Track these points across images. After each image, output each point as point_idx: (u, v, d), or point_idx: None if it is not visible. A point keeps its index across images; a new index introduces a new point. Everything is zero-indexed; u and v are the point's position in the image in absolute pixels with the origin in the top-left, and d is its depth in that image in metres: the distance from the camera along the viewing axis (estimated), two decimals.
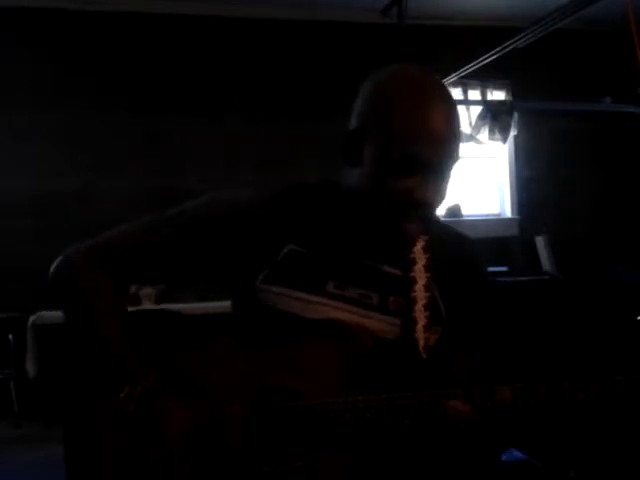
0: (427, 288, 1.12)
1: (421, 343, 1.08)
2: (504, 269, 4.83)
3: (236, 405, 1.04)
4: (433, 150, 1.03)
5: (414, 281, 1.12)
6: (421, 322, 1.09)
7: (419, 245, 1.15)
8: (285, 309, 1.08)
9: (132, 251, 1.14)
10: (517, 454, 3.01)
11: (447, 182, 1.09)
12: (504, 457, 3.18)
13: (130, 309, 1.17)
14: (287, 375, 1.04)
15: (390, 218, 1.07)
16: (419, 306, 1.10)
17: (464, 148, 5.69)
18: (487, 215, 5.87)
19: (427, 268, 1.13)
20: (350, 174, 1.11)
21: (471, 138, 5.55)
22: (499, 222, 5.84)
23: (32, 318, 4.21)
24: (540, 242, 5.03)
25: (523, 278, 4.22)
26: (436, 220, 1.20)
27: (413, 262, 1.14)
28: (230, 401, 1.04)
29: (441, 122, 1.04)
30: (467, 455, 1.03)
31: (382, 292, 1.11)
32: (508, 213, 5.87)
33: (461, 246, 1.22)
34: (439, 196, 1.09)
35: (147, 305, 4.02)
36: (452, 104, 1.08)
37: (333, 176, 1.19)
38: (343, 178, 1.13)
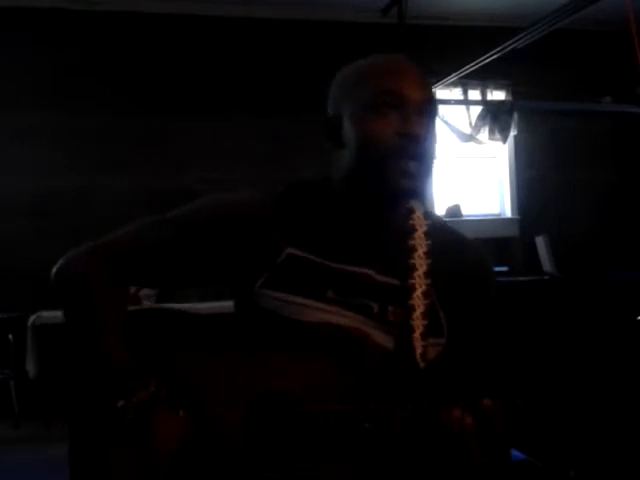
0: (426, 295, 1.09)
1: (418, 351, 1.05)
2: (504, 269, 4.83)
3: (235, 409, 1.03)
4: (406, 85, 1.06)
5: (413, 288, 1.09)
6: (418, 330, 1.06)
7: (420, 250, 1.12)
8: (285, 314, 1.06)
9: (131, 254, 1.14)
10: (517, 454, 3.01)
11: (433, 132, 1.08)
12: None
13: (132, 308, 1.17)
14: (286, 380, 1.02)
15: (386, 170, 1.04)
16: (417, 314, 1.07)
17: (464, 148, 5.70)
18: (487, 215, 5.87)
19: (427, 275, 1.10)
20: (338, 159, 1.12)
21: (471, 138, 5.55)
22: (499, 222, 5.84)
23: (32, 318, 4.21)
24: (540, 242, 5.03)
25: (523, 278, 4.22)
26: (441, 223, 1.18)
27: (413, 268, 1.10)
28: (229, 405, 1.03)
29: (410, 68, 1.09)
30: (466, 468, 1.00)
31: (381, 301, 1.09)
32: (508, 213, 5.87)
33: (466, 253, 1.17)
34: (429, 142, 1.06)
35: (147, 305, 4.02)
36: (421, 71, 1.11)
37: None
38: (333, 168, 1.13)
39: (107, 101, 5.00)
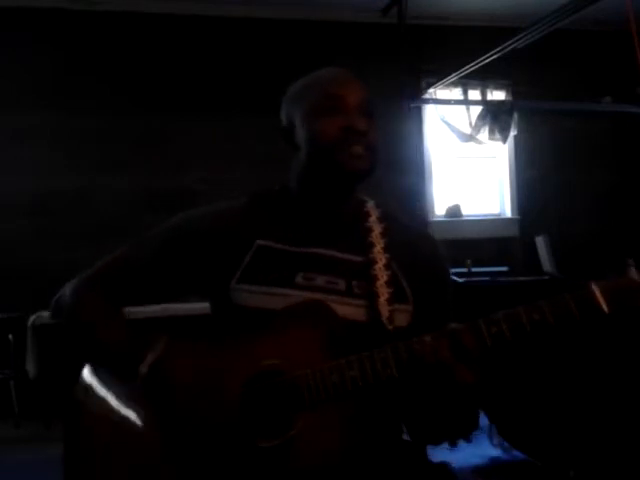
0: (387, 267, 1.18)
1: (385, 316, 1.13)
2: (504, 269, 4.83)
3: (228, 394, 1.07)
4: (348, 91, 1.20)
5: (374, 261, 1.19)
6: (383, 297, 1.15)
7: (377, 231, 1.23)
8: (260, 305, 1.14)
9: (121, 276, 1.23)
10: (517, 454, 3.01)
11: (375, 129, 1.20)
12: (504, 457, 3.18)
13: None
14: (276, 359, 1.07)
15: (336, 157, 1.16)
16: (380, 282, 1.16)
17: (464, 148, 5.70)
18: (487, 215, 5.87)
19: (385, 250, 1.20)
20: (294, 163, 1.25)
21: (471, 138, 5.55)
22: (499, 222, 5.84)
23: (32, 318, 4.21)
24: (540, 242, 5.03)
25: (523, 278, 4.22)
26: (392, 211, 1.30)
27: (372, 245, 1.21)
28: (221, 391, 1.07)
29: (350, 76, 1.24)
30: (449, 401, 1.06)
31: (346, 277, 1.18)
32: (508, 213, 5.87)
33: (419, 236, 1.31)
34: (372, 136, 1.19)
35: (148, 306, 4.03)
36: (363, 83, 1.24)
37: None
38: (291, 173, 1.27)
39: (107, 101, 5.00)
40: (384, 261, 1.19)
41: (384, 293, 1.15)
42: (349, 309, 1.14)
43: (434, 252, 1.28)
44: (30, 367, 4.16)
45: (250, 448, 1.04)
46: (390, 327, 1.12)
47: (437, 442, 1.19)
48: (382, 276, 1.17)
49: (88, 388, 1.16)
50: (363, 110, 1.19)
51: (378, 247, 1.20)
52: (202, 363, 1.10)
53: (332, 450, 1.03)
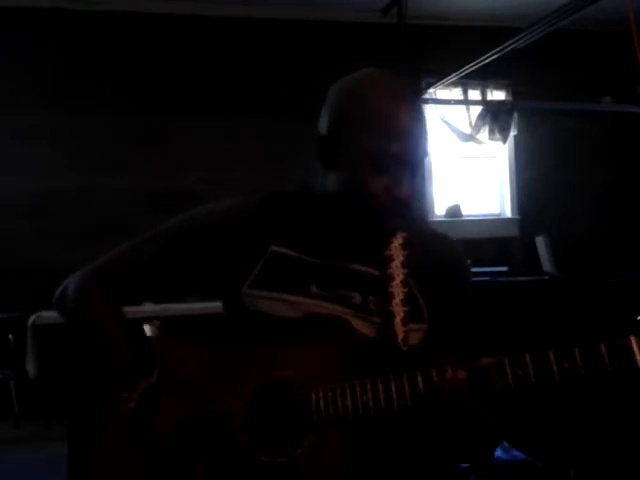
0: (404, 284, 1.14)
1: (400, 337, 1.09)
2: (504, 269, 4.83)
3: (237, 401, 1.05)
4: (408, 148, 1.08)
5: (391, 278, 1.14)
6: (399, 316, 1.11)
7: (396, 242, 1.17)
8: (272, 312, 1.11)
9: (121, 274, 1.21)
10: (517, 454, 3.01)
11: (413, 189, 1.13)
12: (504, 457, 3.18)
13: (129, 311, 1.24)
14: (286, 370, 1.05)
15: (370, 218, 1.10)
16: (396, 301, 1.12)
17: (464, 148, 5.71)
18: (487, 215, 5.88)
19: (404, 265, 1.15)
20: (326, 178, 1.14)
21: (471, 138, 5.55)
22: (499, 222, 5.84)
23: (32, 318, 4.21)
24: (540, 242, 5.02)
25: (523, 278, 4.22)
26: (417, 219, 1.24)
27: (390, 259, 1.16)
28: (230, 398, 1.05)
29: (413, 122, 1.10)
30: (464, 434, 1.03)
31: (363, 292, 1.13)
32: (508, 213, 5.87)
33: (442, 246, 1.23)
34: (413, 193, 1.12)
35: (148, 306, 4.02)
36: (417, 105, 1.14)
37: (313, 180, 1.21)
38: (318, 183, 1.17)
39: (107, 101, 5.01)
40: (402, 277, 1.14)
41: (400, 312, 1.11)
42: (364, 325, 1.10)
43: (455, 261, 1.23)
44: (30, 367, 4.17)
45: (252, 461, 1.02)
46: (405, 348, 1.09)
47: (448, 462, 1.16)
48: (399, 294, 1.12)
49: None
50: (416, 169, 1.11)
51: (397, 261, 1.15)
52: (208, 366, 1.08)
53: (338, 476, 1.00)
